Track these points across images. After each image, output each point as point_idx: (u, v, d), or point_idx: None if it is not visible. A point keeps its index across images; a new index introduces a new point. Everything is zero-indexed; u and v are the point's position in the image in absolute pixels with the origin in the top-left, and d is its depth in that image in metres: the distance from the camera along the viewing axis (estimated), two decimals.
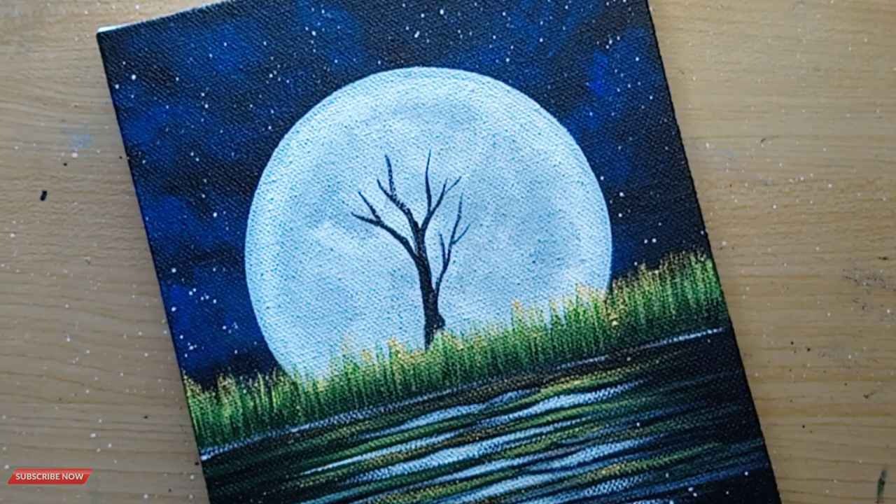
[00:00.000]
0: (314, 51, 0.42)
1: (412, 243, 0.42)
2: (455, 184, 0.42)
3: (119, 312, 0.43)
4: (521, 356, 0.41)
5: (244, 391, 0.41)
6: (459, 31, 0.42)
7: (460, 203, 0.42)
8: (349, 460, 0.41)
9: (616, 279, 0.42)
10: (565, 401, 0.41)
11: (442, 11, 0.42)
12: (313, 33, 0.42)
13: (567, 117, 0.42)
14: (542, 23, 0.42)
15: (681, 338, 0.42)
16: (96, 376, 0.43)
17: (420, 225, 0.42)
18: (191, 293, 0.41)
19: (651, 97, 0.42)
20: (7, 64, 0.44)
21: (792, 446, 0.43)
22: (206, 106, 0.42)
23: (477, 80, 0.42)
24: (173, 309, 0.41)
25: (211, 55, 0.42)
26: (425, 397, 0.41)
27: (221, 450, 0.41)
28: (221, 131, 0.42)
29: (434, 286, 0.42)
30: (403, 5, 0.42)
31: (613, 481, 0.41)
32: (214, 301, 0.41)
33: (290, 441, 0.41)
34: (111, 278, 0.43)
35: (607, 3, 0.42)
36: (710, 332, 0.41)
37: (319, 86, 0.42)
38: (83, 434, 0.43)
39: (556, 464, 0.41)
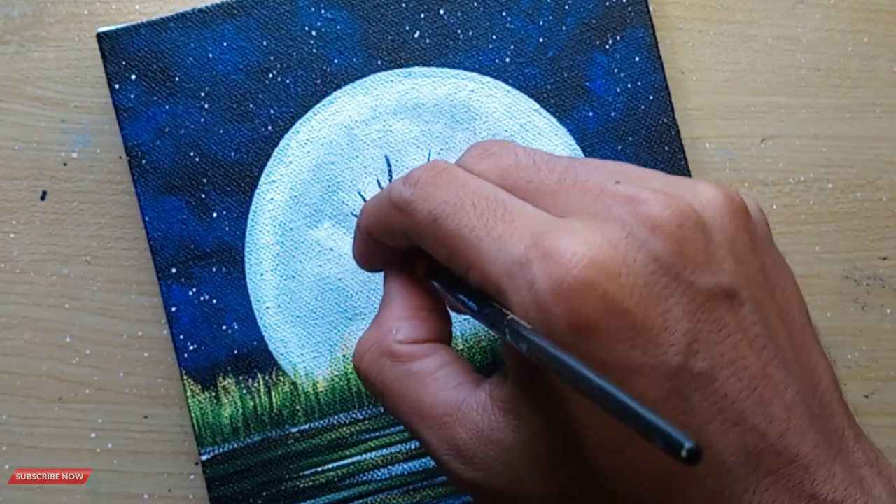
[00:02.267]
0: (314, 51, 0.42)
1: None
2: None
3: (119, 312, 0.43)
4: None
5: (244, 391, 0.41)
6: (459, 31, 0.42)
7: None
8: (349, 460, 0.41)
9: None
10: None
11: (442, 11, 0.42)
12: (313, 33, 0.42)
13: (567, 117, 0.42)
14: (542, 23, 0.42)
15: None
16: (96, 376, 0.43)
17: None
18: (191, 293, 0.41)
19: (651, 97, 0.42)
20: (7, 64, 0.44)
21: None
22: (206, 106, 0.42)
23: (477, 80, 0.42)
24: (173, 309, 0.41)
25: (211, 55, 0.42)
26: None
27: (221, 450, 0.41)
28: (221, 131, 0.42)
29: None
30: (403, 5, 0.42)
31: None
32: (214, 301, 0.41)
33: (290, 441, 0.41)
34: (111, 278, 0.43)
35: (607, 3, 0.42)
36: None
37: (319, 86, 0.42)
38: (83, 434, 0.43)
39: None
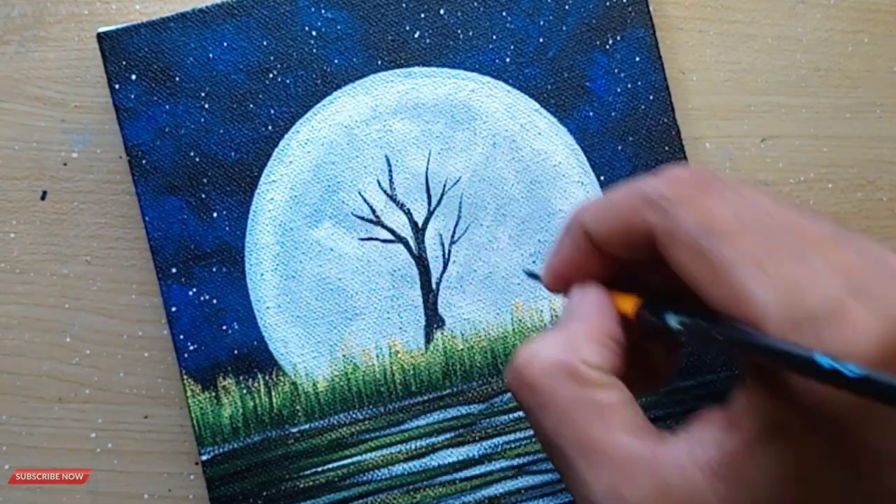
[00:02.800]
0: (314, 51, 0.42)
1: (412, 243, 0.42)
2: (455, 184, 0.42)
3: (119, 312, 0.43)
4: None
5: (244, 391, 0.41)
6: (459, 31, 0.42)
7: (460, 203, 0.42)
8: (349, 460, 0.41)
9: None
10: None
11: (442, 11, 0.42)
12: (313, 33, 0.42)
13: (567, 117, 0.42)
14: (542, 23, 0.42)
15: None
16: (96, 376, 0.43)
17: (420, 225, 0.42)
18: (191, 293, 0.41)
19: (651, 97, 0.42)
20: (7, 64, 0.44)
21: None
22: (206, 106, 0.42)
23: (477, 80, 0.42)
24: (173, 309, 0.41)
25: (211, 55, 0.42)
26: (425, 397, 0.41)
27: (221, 450, 0.41)
28: (221, 131, 0.42)
29: (434, 286, 0.42)
30: (403, 5, 0.42)
31: None
32: (214, 301, 0.41)
33: (290, 441, 0.41)
34: (111, 278, 0.43)
35: (607, 3, 0.42)
36: None
37: (319, 86, 0.42)
38: (83, 434, 0.43)
39: None
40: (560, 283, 0.28)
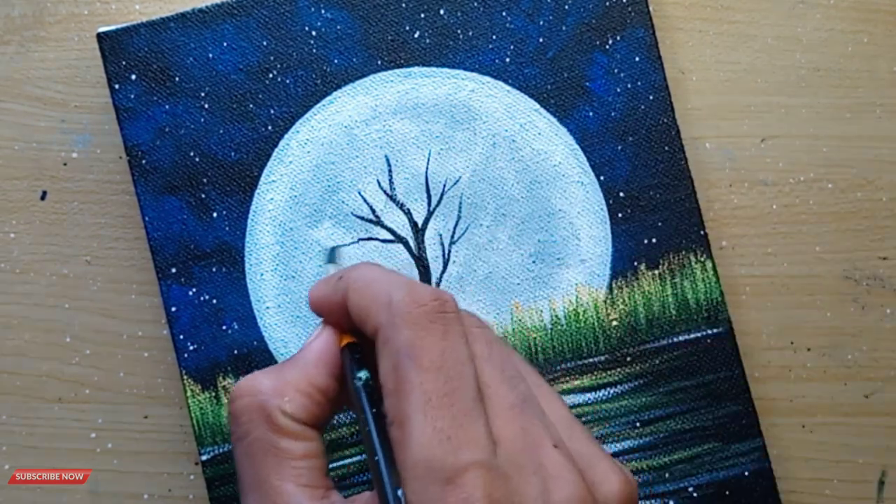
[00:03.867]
0: (314, 51, 0.42)
1: (412, 243, 0.42)
2: (455, 184, 0.42)
3: (119, 312, 0.43)
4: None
5: None
6: (459, 31, 0.42)
7: (460, 203, 0.42)
8: (349, 460, 0.41)
9: (616, 279, 0.42)
10: (565, 401, 0.41)
11: (442, 11, 0.42)
12: (313, 33, 0.42)
13: (567, 117, 0.42)
14: (542, 23, 0.42)
15: (681, 338, 0.42)
16: (96, 376, 0.43)
17: (420, 225, 0.42)
18: (191, 293, 0.41)
19: (651, 97, 0.42)
20: (7, 64, 0.44)
21: (792, 446, 0.43)
22: (206, 106, 0.42)
23: (477, 80, 0.42)
24: (173, 309, 0.41)
25: (211, 55, 0.42)
26: None
27: (221, 450, 0.41)
28: (221, 131, 0.42)
29: (434, 286, 0.42)
30: (403, 5, 0.42)
31: None
32: (214, 301, 0.41)
33: None
34: (111, 278, 0.43)
35: (607, 3, 0.42)
36: (709, 332, 0.41)
37: (319, 86, 0.42)
38: (83, 434, 0.43)
39: None
40: (316, 311, 0.31)
